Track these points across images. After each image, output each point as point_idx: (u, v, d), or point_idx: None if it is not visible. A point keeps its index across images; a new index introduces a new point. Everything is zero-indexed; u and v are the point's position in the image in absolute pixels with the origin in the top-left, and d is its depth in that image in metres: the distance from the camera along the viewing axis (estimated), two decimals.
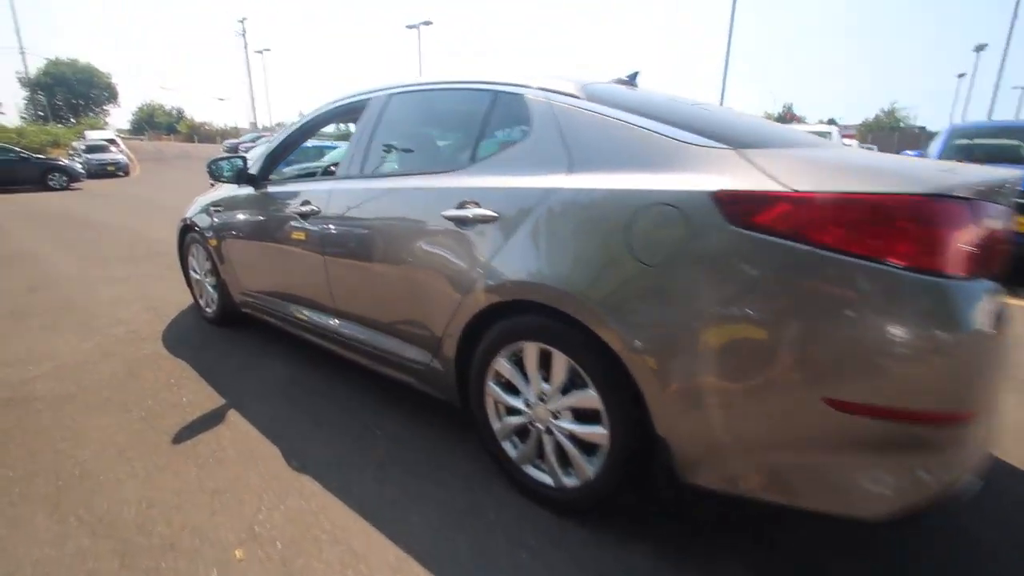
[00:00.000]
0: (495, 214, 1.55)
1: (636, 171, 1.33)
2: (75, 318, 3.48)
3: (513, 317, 1.55)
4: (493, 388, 1.68)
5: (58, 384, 2.49)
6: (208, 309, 3.39)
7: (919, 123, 46.33)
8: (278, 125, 47.56)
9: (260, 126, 44.80)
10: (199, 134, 43.07)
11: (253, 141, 24.83)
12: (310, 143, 6.85)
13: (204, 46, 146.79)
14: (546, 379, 1.53)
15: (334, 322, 2.31)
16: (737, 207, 1.15)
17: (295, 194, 2.45)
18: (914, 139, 30.90)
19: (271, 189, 2.63)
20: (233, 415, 2.20)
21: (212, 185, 3.21)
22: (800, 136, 1.68)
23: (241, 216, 2.80)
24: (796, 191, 1.10)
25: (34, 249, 6.01)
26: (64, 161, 17.01)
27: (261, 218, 2.63)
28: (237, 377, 2.57)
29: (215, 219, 3.01)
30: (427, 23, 29.73)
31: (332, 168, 3.37)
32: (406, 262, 1.83)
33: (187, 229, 3.35)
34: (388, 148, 2.19)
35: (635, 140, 1.38)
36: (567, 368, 1.46)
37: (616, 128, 1.43)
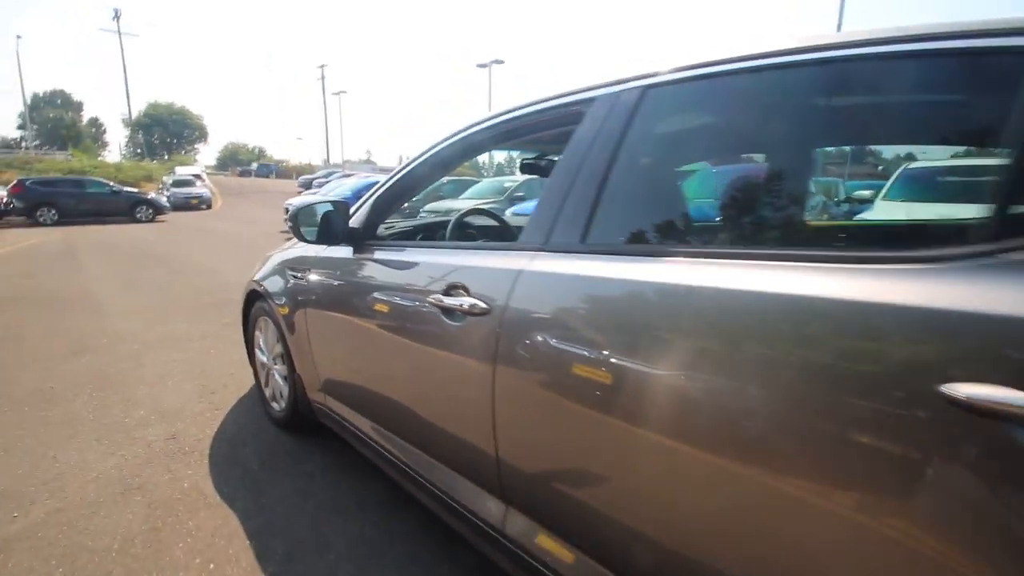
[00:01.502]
0: None
1: None
2: (108, 408, 2.63)
3: None
4: None
5: (39, 560, 1.55)
6: (275, 404, 2.45)
7: None
8: (346, 162, 49.14)
9: (332, 163, 46.49)
10: (277, 171, 45.16)
11: (326, 177, 25.29)
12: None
13: (286, 88, 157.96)
14: None
15: (493, 508, 1.24)
16: None
17: (427, 267, 1.45)
18: None
19: (383, 255, 1.65)
20: None
21: (287, 222, 2.12)
22: None
23: (332, 289, 1.83)
24: None
25: (98, 291, 5.47)
26: (151, 195, 17.68)
27: (366, 296, 1.64)
28: (319, 568, 1.55)
29: (293, 288, 2.07)
30: (499, 62, 29.86)
31: (480, 219, 2.29)
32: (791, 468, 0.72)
33: (255, 296, 2.44)
34: (665, 193, 1.15)
35: None
36: None
37: None
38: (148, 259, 7.92)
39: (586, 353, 0.96)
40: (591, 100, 1.18)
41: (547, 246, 1.13)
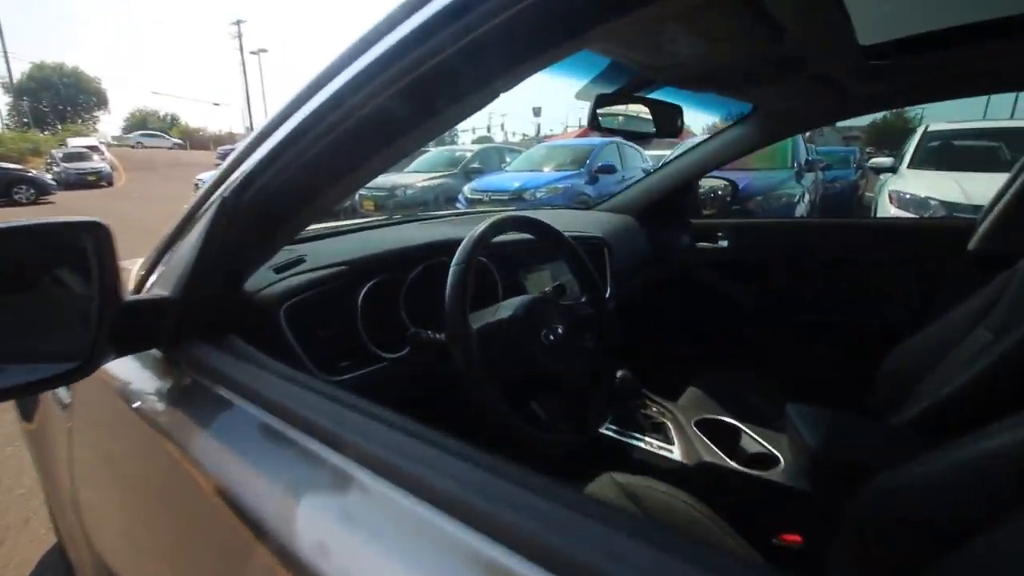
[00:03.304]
0: None
1: None
2: None
3: None
4: None
5: None
6: None
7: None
8: None
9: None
10: (192, 140, 40.67)
11: None
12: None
13: (199, 49, 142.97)
14: None
15: None
16: None
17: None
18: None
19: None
20: None
21: None
22: None
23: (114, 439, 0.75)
24: None
25: None
26: (32, 172, 15.07)
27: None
28: None
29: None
30: None
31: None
32: None
33: None
34: None
35: None
36: None
37: None
38: None
39: None
40: None
41: None
